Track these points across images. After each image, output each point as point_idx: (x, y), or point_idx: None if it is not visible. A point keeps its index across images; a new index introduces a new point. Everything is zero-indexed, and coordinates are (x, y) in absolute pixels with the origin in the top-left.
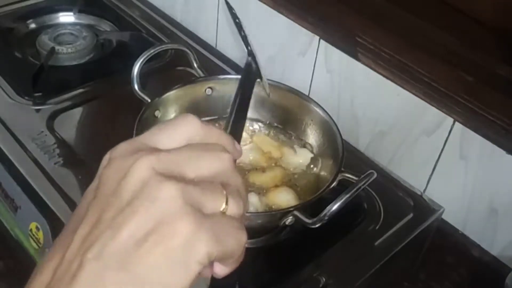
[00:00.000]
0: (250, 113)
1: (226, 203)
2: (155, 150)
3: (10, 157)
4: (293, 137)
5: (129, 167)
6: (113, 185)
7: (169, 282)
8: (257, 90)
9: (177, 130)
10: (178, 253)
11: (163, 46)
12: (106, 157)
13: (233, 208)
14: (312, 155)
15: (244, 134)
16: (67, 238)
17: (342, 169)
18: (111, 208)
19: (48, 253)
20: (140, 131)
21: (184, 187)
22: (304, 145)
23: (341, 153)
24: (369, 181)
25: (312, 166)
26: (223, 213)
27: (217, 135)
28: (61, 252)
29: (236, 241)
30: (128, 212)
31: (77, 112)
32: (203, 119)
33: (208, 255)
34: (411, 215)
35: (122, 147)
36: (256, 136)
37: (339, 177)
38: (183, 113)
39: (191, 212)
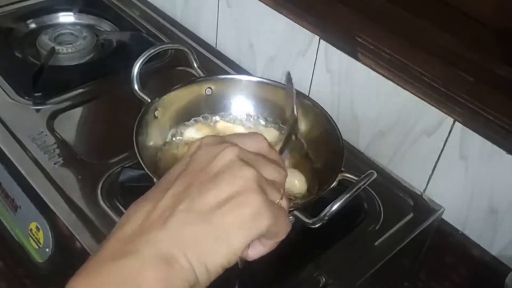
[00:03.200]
0: (250, 113)
1: (281, 199)
2: (239, 146)
3: (10, 157)
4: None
5: (219, 152)
6: (203, 163)
7: (235, 238)
8: (258, 91)
9: (252, 141)
10: (247, 219)
11: (163, 46)
12: (196, 144)
13: (285, 203)
14: (278, 133)
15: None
16: (156, 194)
17: (342, 169)
18: (201, 178)
19: (134, 205)
20: (140, 131)
21: (258, 174)
22: (275, 124)
23: (341, 153)
24: (369, 181)
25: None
26: (279, 203)
27: (276, 155)
28: (152, 204)
29: (285, 226)
30: (215, 181)
31: (77, 112)
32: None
33: (267, 228)
34: (411, 215)
35: (210, 138)
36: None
37: (339, 177)
38: (254, 132)
39: (261, 192)
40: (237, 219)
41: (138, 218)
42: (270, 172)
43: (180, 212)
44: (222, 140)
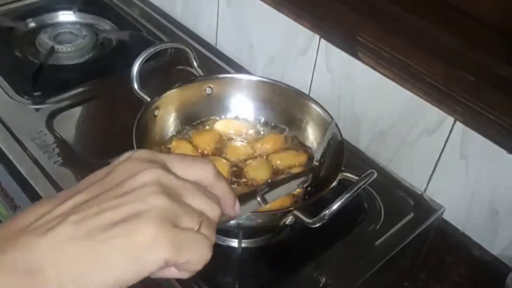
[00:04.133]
0: (250, 113)
1: (199, 227)
2: (166, 169)
3: (9, 156)
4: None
5: (142, 170)
6: (121, 178)
7: (117, 265)
8: (258, 90)
9: (193, 168)
10: (135, 247)
11: (162, 45)
12: (127, 154)
13: (207, 233)
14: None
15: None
16: (62, 197)
17: (343, 168)
18: (110, 193)
19: (41, 201)
20: (139, 131)
21: (171, 203)
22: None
23: (342, 152)
24: (370, 180)
25: None
26: (197, 230)
27: (223, 190)
28: (52, 206)
29: (199, 256)
30: (120, 200)
31: (77, 111)
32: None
33: (166, 260)
34: (411, 215)
35: (143, 152)
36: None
37: (340, 177)
38: (203, 159)
39: (161, 222)
40: (123, 246)
41: (31, 216)
42: (198, 203)
43: (69, 224)
44: (154, 159)
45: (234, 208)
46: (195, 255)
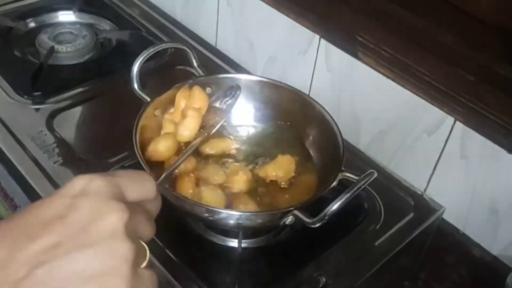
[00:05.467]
0: (250, 113)
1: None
2: (128, 207)
3: (9, 156)
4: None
5: (107, 213)
6: (86, 220)
7: None
8: (258, 90)
9: (140, 189)
10: None
11: (162, 45)
12: (81, 182)
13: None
14: None
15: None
16: (20, 236)
17: (343, 168)
18: (76, 239)
19: None
20: (140, 130)
21: (136, 251)
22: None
23: (342, 152)
24: (370, 180)
25: None
26: (145, 268)
27: (158, 206)
28: (9, 252)
29: None
30: (89, 250)
31: (77, 111)
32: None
33: None
34: (411, 215)
35: (100, 185)
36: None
37: (340, 177)
38: (146, 174)
39: (130, 278)
40: None
41: None
42: (145, 233)
43: (36, 278)
44: (113, 193)
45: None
46: None
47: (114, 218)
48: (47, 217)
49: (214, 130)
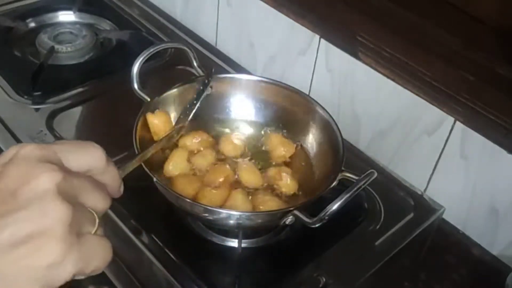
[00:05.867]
0: (251, 113)
1: (97, 228)
2: (63, 169)
3: None
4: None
5: (37, 175)
6: (15, 185)
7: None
8: (258, 90)
9: (85, 157)
10: (42, 268)
11: (162, 45)
12: (12, 151)
13: (100, 232)
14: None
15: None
16: None
17: (343, 168)
18: (5, 205)
19: None
20: (139, 131)
21: (73, 210)
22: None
23: (342, 152)
24: (370, 180)
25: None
26: (94, 233)
27: (112, 175)
28: None
29: (102, 260)
30: (18, 214)
31: (77, 111)
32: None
33: (73, 275)
34: (411, 215)
35: (33, 149)
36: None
37: (340, 177)
38: (92, 143)
39: (68, 237)
40: (29, 268)
41: None
42: (92, 200)
43: None
44: (45, 156)
45: (119, 190)
46: (100, 261)
47: (45, 178)
48: None
49: (188, 121)
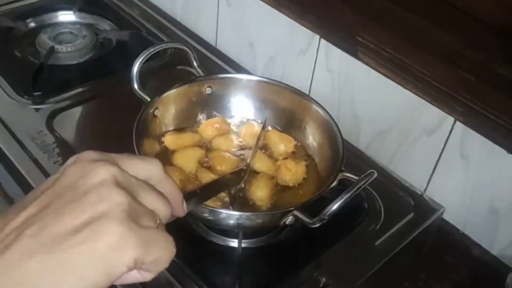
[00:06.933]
0: (251, 113)
1: (157, 228)
2: (120, 167)
3: (9, 156)
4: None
5: (93, 168)
6: (72, 180)
7: (87, 272)
8: (258, 90)
9: (143, 166)
10: (103, 250)
11: (162, 45)
12: (74, 157)
13: (163, 228)
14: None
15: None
16: (14, 212)
17: (343, 168)
18: (63, 198)
19: None
20: (139, 131)
21: (131, 200)
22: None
23: (342, 152)
24: (370, 180)
25: None
26: (157, 227)
27: (171, 187)
28: (3, 223)
29: (165, 250)
30: (77, 202)
31: (77, 111)
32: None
33: (135, 260)
34: (411, 215)
35: (91, 153)
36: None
37: (340, 177)
38: (153, 157)
39: (126, 220)
40: (91, 251)
41: None
42: (152, 201)
43: (25, 239)
44: (103, 157)
45: (182, 206)
46: (163, 252)
47: (101, 170)
48: (39, 192)
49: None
